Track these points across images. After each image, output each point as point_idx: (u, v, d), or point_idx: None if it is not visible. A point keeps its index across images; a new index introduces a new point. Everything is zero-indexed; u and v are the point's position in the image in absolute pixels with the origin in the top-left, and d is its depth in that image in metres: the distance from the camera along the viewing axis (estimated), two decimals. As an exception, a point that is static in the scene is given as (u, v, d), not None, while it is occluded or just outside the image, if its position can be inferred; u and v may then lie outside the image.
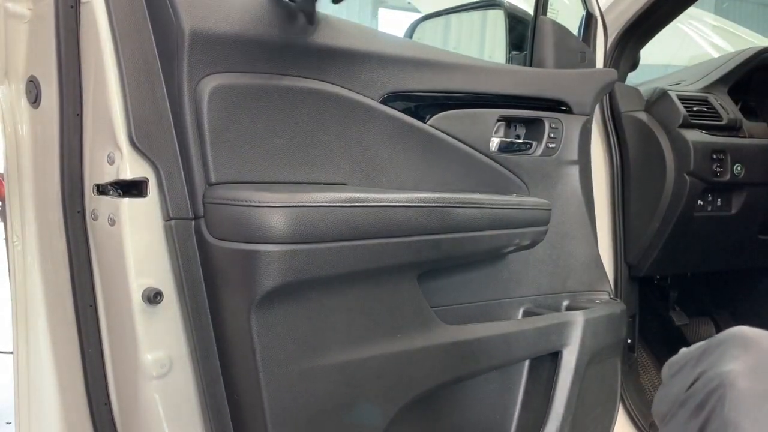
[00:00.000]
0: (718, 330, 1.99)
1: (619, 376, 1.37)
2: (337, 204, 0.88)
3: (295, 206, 0.84)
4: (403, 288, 1.00)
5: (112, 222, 0.86)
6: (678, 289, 1.89)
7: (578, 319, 1.23)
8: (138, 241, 0.86)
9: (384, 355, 0.97)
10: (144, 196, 0.87)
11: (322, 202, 0.87)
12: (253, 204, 0.83)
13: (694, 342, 2.10)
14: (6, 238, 0.99)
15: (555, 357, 1.23)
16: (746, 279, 1.97)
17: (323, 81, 0.99)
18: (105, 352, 0.93)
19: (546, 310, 1.26)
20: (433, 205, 0.98)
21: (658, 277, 1.84)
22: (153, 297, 0.85)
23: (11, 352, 0.99)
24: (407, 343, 1.00)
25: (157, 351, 0.88)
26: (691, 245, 1.66)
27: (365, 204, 0.91)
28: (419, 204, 0.96)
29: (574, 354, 1.22)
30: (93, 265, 0.91)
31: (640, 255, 1.63)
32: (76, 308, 0.92)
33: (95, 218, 0.89)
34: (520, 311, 1.25)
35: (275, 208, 0.83)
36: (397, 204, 0.94)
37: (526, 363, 1.24)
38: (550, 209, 1.22)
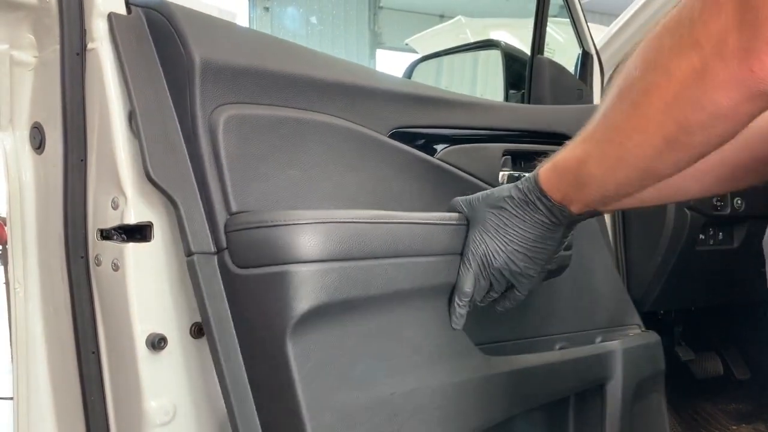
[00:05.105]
0: (725, 365, 1.98)
1: (665, 414, 1.34)
2: (366, 221, 0.86)
3: (324, 222, 0.82)
4: (439, 313, 0.95)
5: (115, 267, 0.85)
6: (682, 323, 1.88)
7: (616, 348, 1.22)
8: (142, 286, 0.85)
9: (430, 387, 0.92)
10: (148, 241, 0.86)
11: (351, 219, 0.85)
12: (279, 224, 0.81)
13: (701, 378, 2.06)
14: (7, 283, 0.99)
15: (600, 391, 1.21)
16: (751, 313, 1.96)
17: (332, 115, 0.99)
18: (107, 399, 0.91)
19: (582, 346, 1.24)
20: (458, 223, 0.95)
21: (661, 312, 1.83)
22: (157, 343, 0.85)
23: (11, 398, 0.98)
24: (453, 374, 0.96)
25: (161, 398, 0.86)
26: (694, 279, 1.66)
27: (393, 221, 0.89)
28: (445, 222, 0.94)
29: (618, 387, 1.20)
30: (96, 310, 0.90)
31: (643, 290, 1.62)
32: (78, 355, 0.91)
33: (99, 263, 0.89)
34: (556, 348, 1.22)
35: (303, 226, 0.81)
36: (423, 222, 0.92)
37: (572, 400, 1.21)
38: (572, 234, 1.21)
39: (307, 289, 0.80)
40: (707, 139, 0.62)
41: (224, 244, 0.85)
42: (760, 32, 0.52)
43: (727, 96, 0.57)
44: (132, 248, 0.85)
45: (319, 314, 0.81)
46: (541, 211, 0.84)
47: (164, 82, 0.88)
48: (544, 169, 0.84)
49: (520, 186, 0.86)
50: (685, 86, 0.59)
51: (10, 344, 0.98)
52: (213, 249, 0.85)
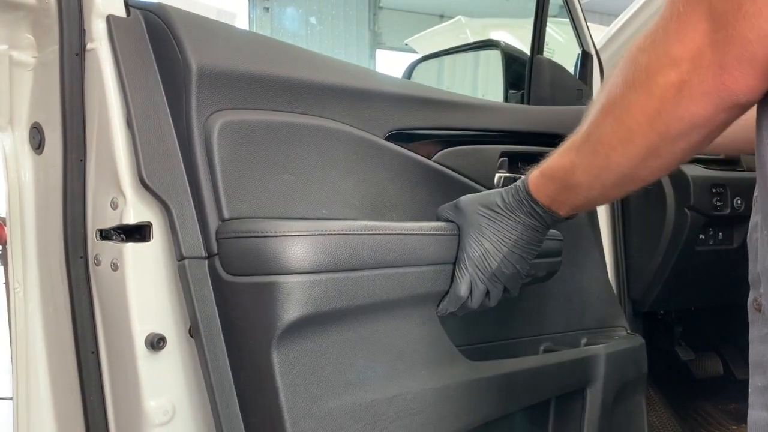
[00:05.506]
0: (725, 365, 1.98)
1: (645, 414, 1.35)
2: (355, 232, 0.87)
3: (313, 234, 0.84)
4: (425, 320, 0.97)
5: (114, 267, 0.86)
6: (683, 323, 1.88)
7: (600, 352, 1.22)
8: (141, 286, 0.85)
9: (411, 393, 0.94)
10: (147, 241, 0.86)
11: (340, 231, 0.86)
12: (270, 234, 0.82)
13: (701, 377, 2.05)
14: (7, 284, 0.99)
15: (581, 394, 1.21)
16: (751, 313, 1.96)
17: (329, 119, 0.99)
18: (107, 399, 0.92)
19: (566, 347, 1.25)
20: (450, 233, 0.96)
21: (662, 312, 1.83)
22: (156, 342, 0.85)
23: (11, 398, 0.98)
24: (434, 380, 0.97)
25: (160, 397, 0.87)
26: (694, 279, 1.65)
27: (383, 232, 0.90)
28: (436, 232, 0.95)
29: (599, 390, 1.20)
30: (95, 311, 0.91)
31: (643, 290, 1.62)
32: (78, 355, 0.91)
33: (98, 263, 0.89)
34: (540, 350, 1.23)
35: (293, 237, 0.82)
36: (414, 232, 0.93)
37: (552, 403, 1.22)
38: (562, 240, 1.21)
39: (294, 301, 0.81)
40: (687, 145, 0.68)
41: (215, 250, 0.86)
42: (730, 50, 0.58)
43: (703, 107, 0.62)
44: (131, 248, 0.85)
45: (305, 324, 0.83)
46: (533, 216, 0.91)
47: (161, 86, 0.88)
48: (532, 177, 0.90)
49: (512, 192, 0.92)
50: (665, 100, 0.64)
51: (10, 344, 0.98)
52: (204, 254, 0.86)
